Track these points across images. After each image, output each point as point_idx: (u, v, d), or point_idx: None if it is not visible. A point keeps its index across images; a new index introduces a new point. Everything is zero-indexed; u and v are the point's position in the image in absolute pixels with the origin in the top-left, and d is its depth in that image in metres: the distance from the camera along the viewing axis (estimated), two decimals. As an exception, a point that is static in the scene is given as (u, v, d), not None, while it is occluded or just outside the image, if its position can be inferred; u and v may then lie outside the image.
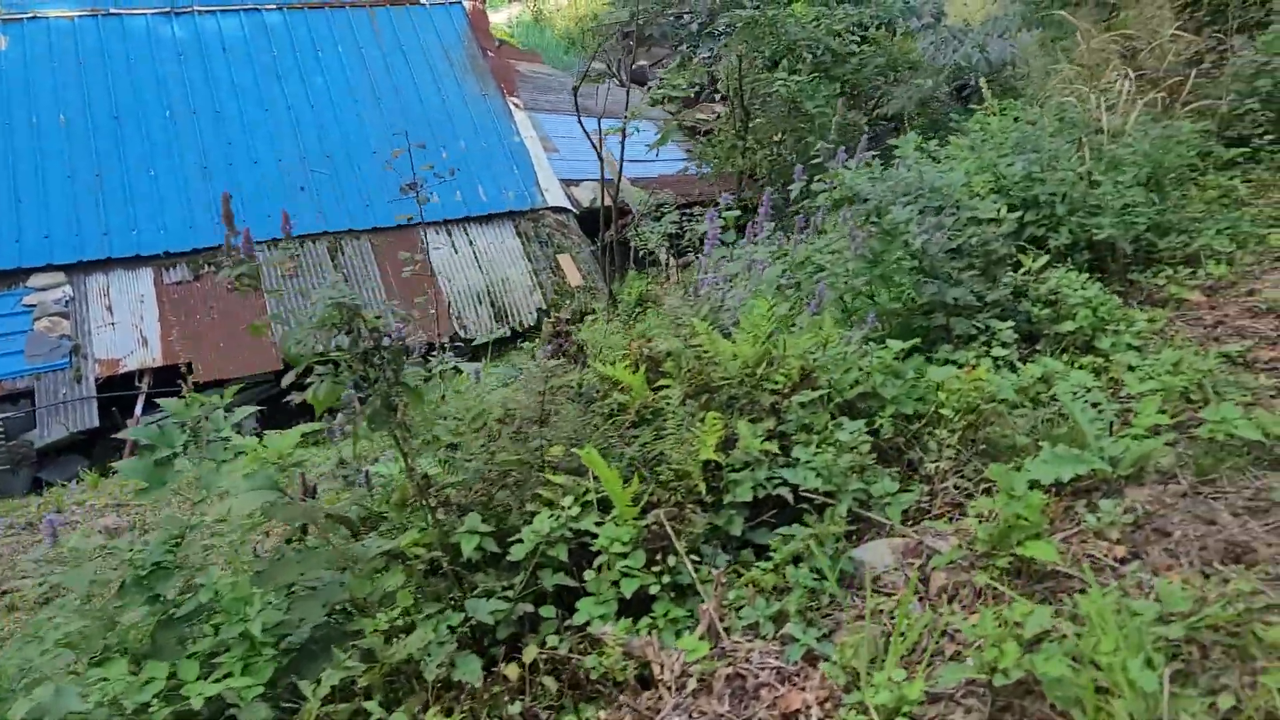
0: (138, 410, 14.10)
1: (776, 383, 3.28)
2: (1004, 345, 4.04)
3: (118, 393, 14.06)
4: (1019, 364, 3.96)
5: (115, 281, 15.07)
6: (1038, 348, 4.28)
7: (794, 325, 3.32)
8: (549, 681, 2.99)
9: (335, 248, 16.18)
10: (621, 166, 12.55)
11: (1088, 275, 4.59)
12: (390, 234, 16.50)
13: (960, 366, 3.69)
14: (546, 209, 17.73)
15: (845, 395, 3.35)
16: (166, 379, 14.38)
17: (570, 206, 18.10)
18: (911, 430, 3.66)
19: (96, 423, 13.46)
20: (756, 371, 3.20)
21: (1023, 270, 4.52)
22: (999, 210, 4.49)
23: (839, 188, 3.83)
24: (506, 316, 16.28)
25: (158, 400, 4.46)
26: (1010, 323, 4.13)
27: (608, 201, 15.12)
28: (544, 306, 16.39)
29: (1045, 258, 4.62)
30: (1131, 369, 3.85)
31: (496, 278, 16.53)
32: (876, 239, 3.65)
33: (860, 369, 3.37)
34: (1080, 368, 3.99)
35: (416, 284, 16.03)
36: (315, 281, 15.51)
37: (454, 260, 16.57)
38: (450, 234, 16.86)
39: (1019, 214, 4.71)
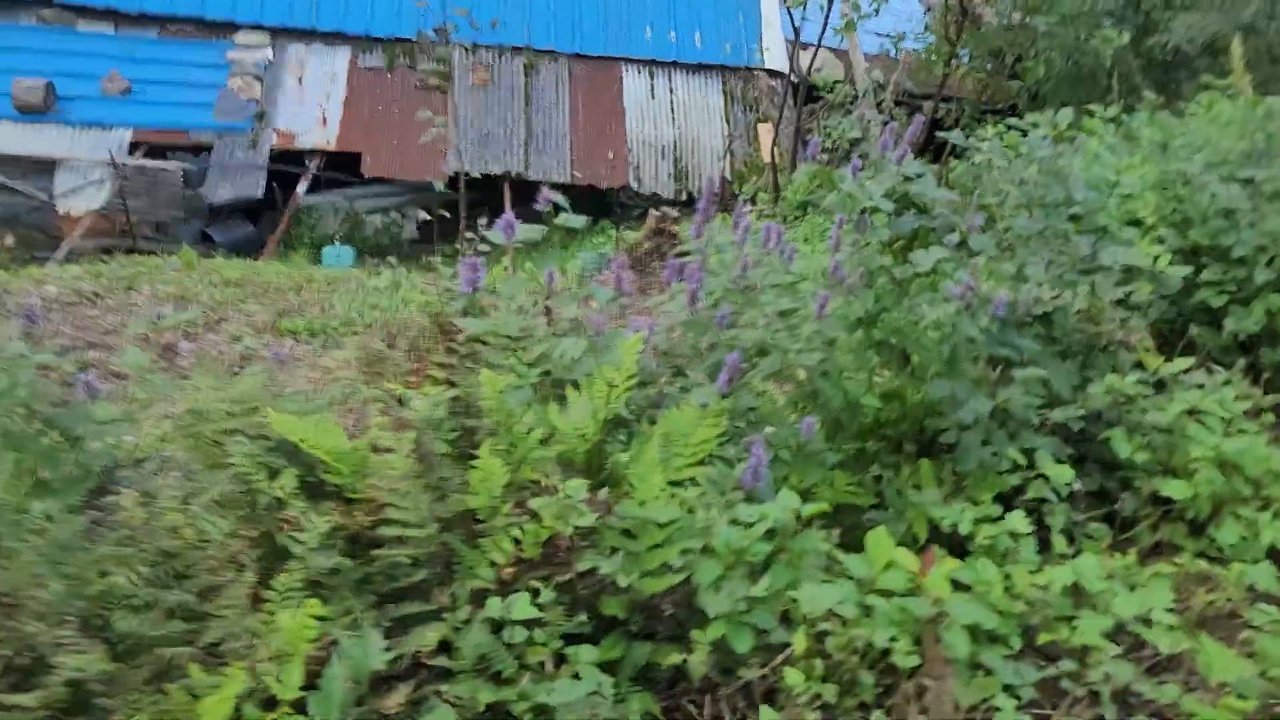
0: (301, 189, 14.74)
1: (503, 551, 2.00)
2: (1044, 506, 2.74)
3: (287, 167, 14.68)
4: (1042, 558, 2.63)
5: (313, 55, 15.56)
6: (1100, 521, 3.01)
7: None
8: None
9: (531, 66, 16.04)
10: (823, 33, 11.45)
11: (1251, 403, 3.18)
12: (590, 63, 16.23)
13: (919, 548, 2.50)
14: (762, 70, 16.89)
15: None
16: (335, 164, 14.91)
17: (790, 72, 17.16)
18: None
19: (261, 193, 14.22)
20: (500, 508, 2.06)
21: (1136, 376, 3.13)
22: (1156, 258, 3.69)
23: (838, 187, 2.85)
24: (686, 178, 15.88)
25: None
26: (1069, 461, 2.89)
27: (820, 69, 14.12)
28: (729, 177, 15.87)
29: (1187, 361, 3.27)
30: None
31: (687, 135, 16.08)
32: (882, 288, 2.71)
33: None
34: (1159, 576, 2.56)
35: (604, 122, 15.78)
36: (503, 98, 15.51)
37: (647, 106, 16.17)
38: (652, 76, 16.42)
39: (1190, 269, 3.85)
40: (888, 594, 2.27)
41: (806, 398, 2.79)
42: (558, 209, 3.16)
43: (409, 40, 15.85)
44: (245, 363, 8.05)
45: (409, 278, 10.78)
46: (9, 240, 15.09)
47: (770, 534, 2.20)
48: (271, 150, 14.71)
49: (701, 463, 2.61)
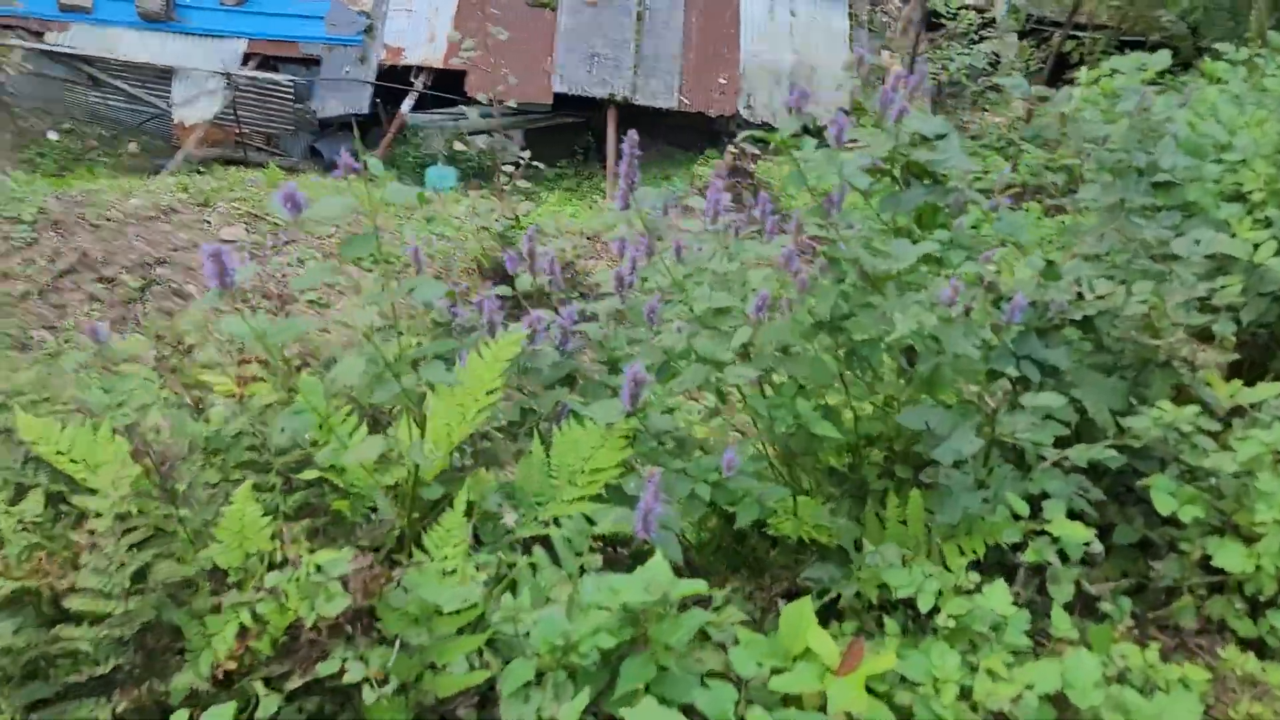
0: (406, 106, 14.49)
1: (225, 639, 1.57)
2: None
3: (393, 84, 14.42)
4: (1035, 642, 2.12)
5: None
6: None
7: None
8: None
9: (646, -17, 15.25)
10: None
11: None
12: (707, -19, 15.27)
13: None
14: (894, -7, 15.64)
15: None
16: (440, 83, 14.57)
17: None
18: None
19: (367, 109, 14.03)
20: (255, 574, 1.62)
21: (1194, 408, 2.40)
22: (1257, 246, 2.88)
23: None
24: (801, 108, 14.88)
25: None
26: (1099, 504, 2.32)
27: None
28: (847, 109, 14.83)
29: (1273, 389, 2.50)
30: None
31: (806, 61, 15.04)
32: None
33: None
34: (1188, 682, 1.98)
35: (717, 45, 14.94)
36: (614, 17, 14.81)
37: (765, 28, 15.20)
38: (774, -4, 15.35)
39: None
40: (788, 702, 1.74)
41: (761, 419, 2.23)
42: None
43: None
44: (309, 288, 7.86)
45: (488, 203, 10.42)
46: (132, 147, 15.42)
47: (633, 615, 1.69)
48: (379, 65, 14.47)
49: (599, 496, 2.11)
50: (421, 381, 1.66)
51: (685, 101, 14.61)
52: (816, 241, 2.22)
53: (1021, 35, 11.35)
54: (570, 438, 2.11)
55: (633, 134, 2.13)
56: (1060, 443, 2.36)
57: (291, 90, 14.44)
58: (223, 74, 14.01)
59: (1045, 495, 2.29)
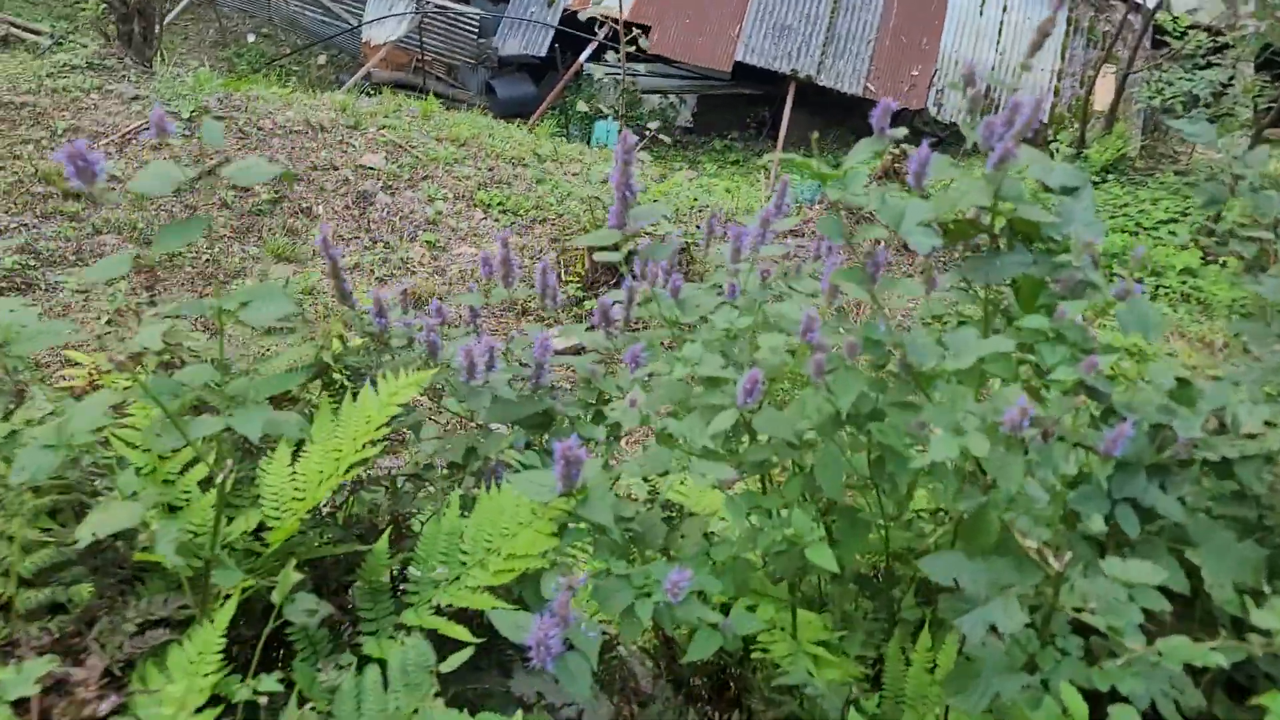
0: (583, 56, 14.17)
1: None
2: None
3: (574, 31, 14.11)
4: None
5: (628, -84, 14.58)
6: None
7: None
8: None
9: (853, -41, 14.35)
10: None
11: None
12: (919, -37, 14.25)
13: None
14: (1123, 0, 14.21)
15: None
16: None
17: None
18: None
19: (544, 52, 13.78)
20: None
21: None
22: None
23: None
24: (995, 112, 13.75)
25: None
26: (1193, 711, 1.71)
27: (1197, 9, 11.54)
28: (1046, 121, 13.64)
29: None
30: None
31: (1010, 63, 13.87)
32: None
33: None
34: None
35: (916, 33, 13.97)
36: (811, -10, 14.01)
37: (971, 23, 14.09)
38: (988, -11, 14.19)
39: None
40: None
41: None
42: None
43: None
44: (430, 227, 7.65)
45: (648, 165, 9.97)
46: (321, 59, 15.71)
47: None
48: (564, 10, 14.17)
49: (524, 576, 1.65)
50: (225, 428, 1.23)
51: (870, 89, 13.72)
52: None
53: (1258, 66, 10.01)
54: (494, 504, 1.66)
55: (628, 135, 1.62)
56: (1154, 617, 1.74)
57: (477, 24, 14.34)
58: (414, -1, 14.02)
59: (1117, 695, 1.69)
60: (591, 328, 1.99)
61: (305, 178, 7.95)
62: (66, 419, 1.19)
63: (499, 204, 7.97)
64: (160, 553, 1.09)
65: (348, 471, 1.44)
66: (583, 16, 12.24)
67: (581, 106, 10.02)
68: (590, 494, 1.60)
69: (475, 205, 8.00)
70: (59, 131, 7.86)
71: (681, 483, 2.27)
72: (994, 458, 1.54)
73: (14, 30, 13.89)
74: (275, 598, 1.28)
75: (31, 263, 6.23)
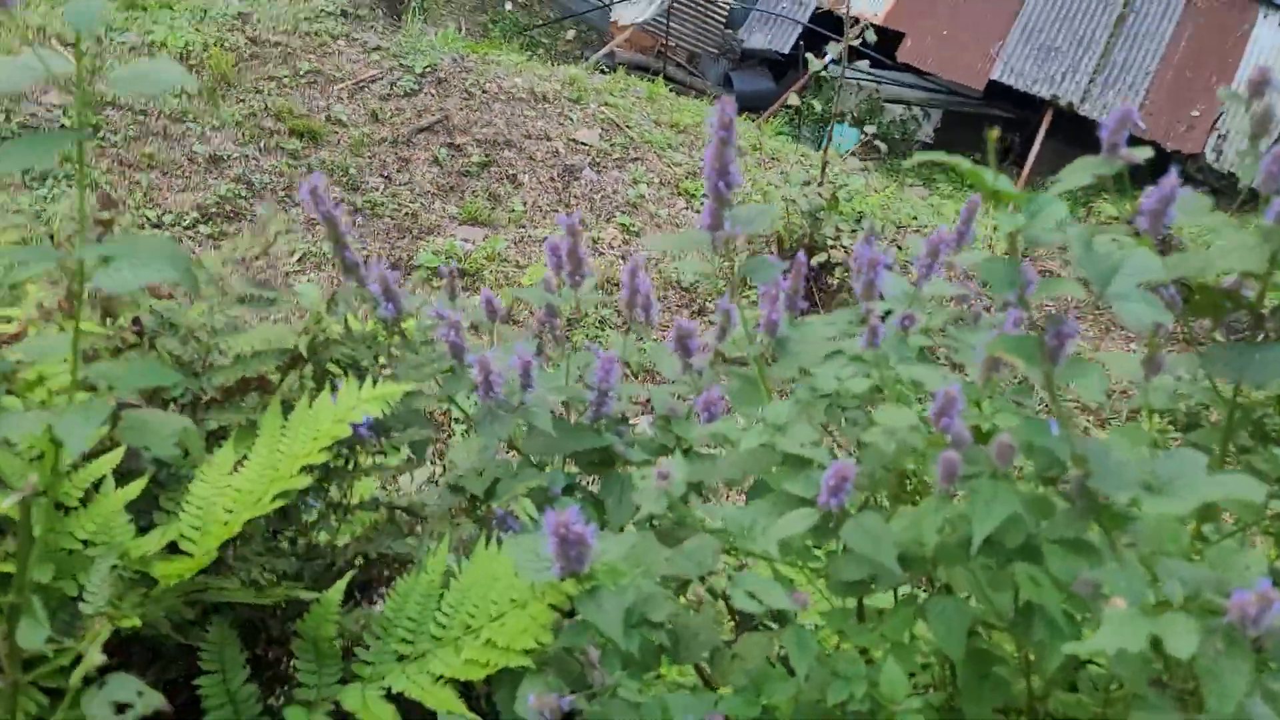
0: (828, 58, 13.51)
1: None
2: None
3: (822, 30, 13.50)
4: None
5: (899, -84, 13.88)
6: None
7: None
8: None
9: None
10: None
11: None
12: (1219, -4, 12.73)
13: None
14: None
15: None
16: (875, 40, 13.38)
17: None
18: None
19: (788, 49, 13.26)
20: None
21: None
22: None
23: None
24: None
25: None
26: None
27: None
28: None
29: None
30: None
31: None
32: None
33: None
34: None
35: (1205, 71, 12.50)
36: (1089, 9, 12.80)
37: (1274, 65, 12.39)
38: (1300, 31, 12.51)
39: None
40: None
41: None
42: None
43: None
44: (630, 209, 7.36)
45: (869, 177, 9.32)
46: (570, 34, 15.82)
47: None
48: (816, 8, 13.59)
49: (502, 674, 1.24)
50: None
51: (1140, 126, 12.32)
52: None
53: None
54: (487, 570, 1.25)
55: (726, 105, 1.16)
56: None
57: (727, 14, 13.99)
58: (667, -17, 13.81)
59: None
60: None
61: (518, 145, 7.84)
62: None
63: (703, 195, 7.57)
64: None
65: (274, 500, 1.07)
66: (839, 12, 11.63)
67: (817, 108, 9.47)
68: (599, 585, 1.16)
69: (679, 194, 7.65)
70: (301, 73, 8.10)
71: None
72: (1205, 656, 0.99)
73: (298, -22, 14.73)
74: (72, 680, 0.93)
75: (243, 192, 6.38)
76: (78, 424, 0.84)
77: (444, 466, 1.63)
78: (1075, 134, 12.79)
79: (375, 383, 1.14)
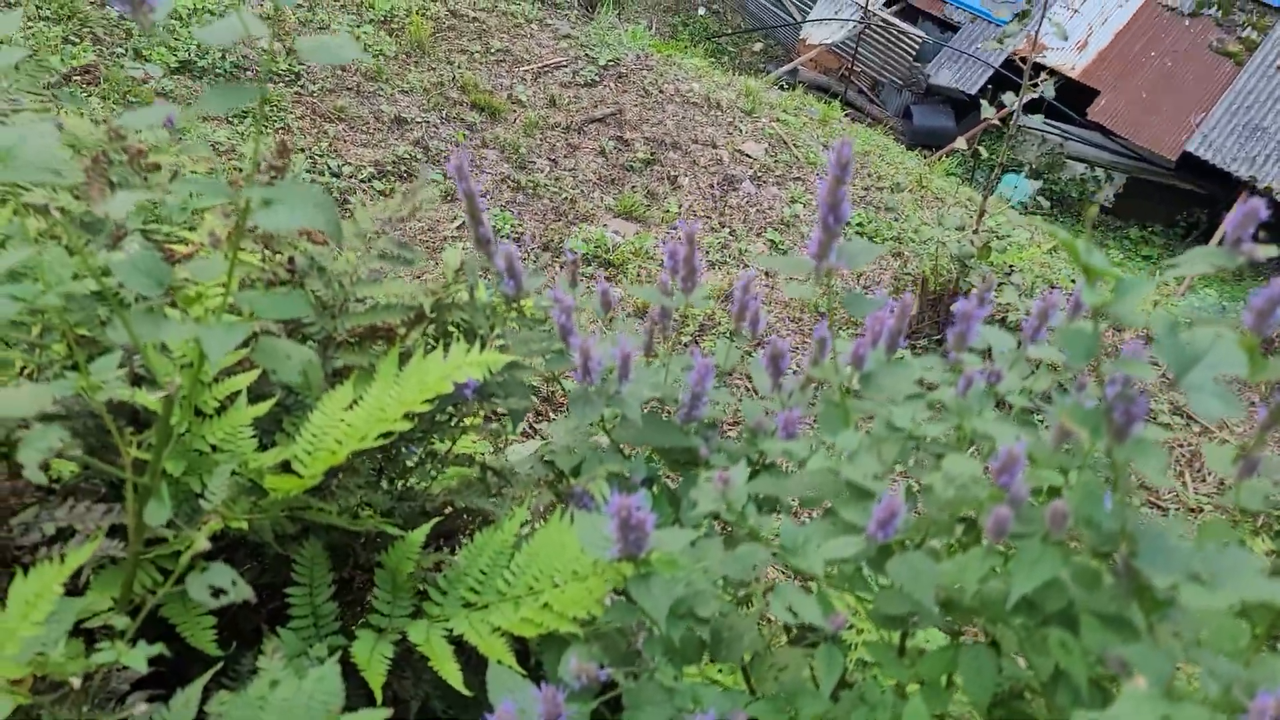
0: (1017, 105, 13.15)
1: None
2: None
3: (1013, 76, 13.16)
4: None
5: (1116, -30, 13.41)
6: None
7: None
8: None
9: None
10: None
11: None
12: None
13: None
14: None
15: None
16: (1064, 92, 12.97)
17: None
18: None
19: (975, 90, 12.96)
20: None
21: None
22: None
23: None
24: None
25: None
26: None
27: None
28: None
29: None
30: None
31: None
32: None
33: None
34: None
35: None
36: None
37: None
38: None
39: None
40: None
41: None
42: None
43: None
44: (782, 227, 7.37)
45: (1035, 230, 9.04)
46: (757, 46, 15.89)
47: None
48: (1012, 53, 13.22)
49: (551, 637, 1.34)
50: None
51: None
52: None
53: None
54: (556, 539, 1.34)
55: (844, 147, 1.21)
56: None
57: (917, 46, 13.79)
58: (863, 8, 13.71)
59: None
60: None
61: (684, 148, 7.97)
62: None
63: (859, 223, 7.52)
64: (21, 458, 0.90)
65: (377, 438, 1.19)
66: (1034, 60, 11.31)
67: (984, 154, 9.23)
68: (654, 572, 1.24)
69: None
70: (491, 50, 8.45)
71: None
72: (1221, 754, 0.99)
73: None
74: (180, 560, 1.06)
75: (419, 155, 6.71)
76: (220, 338, 0.97)
77: (543, 438, 1.74)
78: (1269, 222, 12.05)
79: (483, 348, 1.25)
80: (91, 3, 6.09)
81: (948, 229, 5.18)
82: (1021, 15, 13.69)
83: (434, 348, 1.41)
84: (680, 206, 7.36)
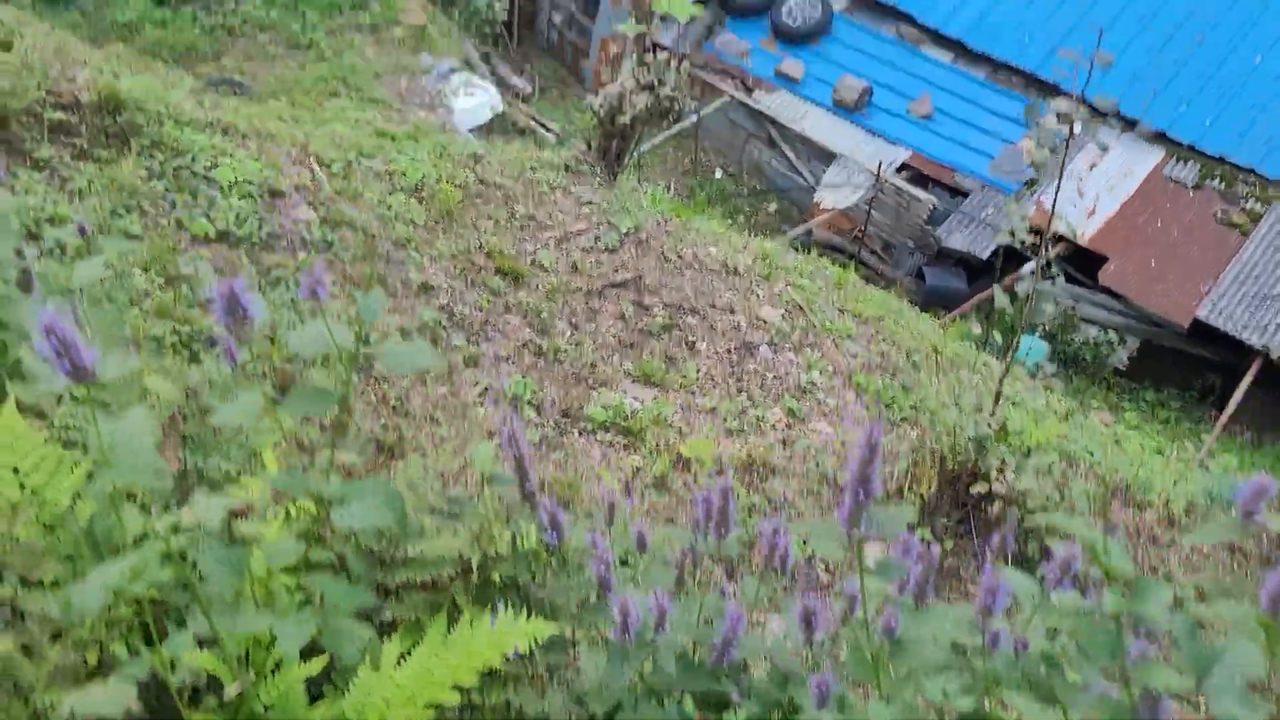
0: (1028, 268, 13.49)
1: None
2: None
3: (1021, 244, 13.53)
4: None
5: (1120, 145, 14.11)
6: None
7: None
8: None
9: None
10: None
11: None
12: None
13: None
14: None
15: None
16: (1076, 258, 13.33)
17: None
18: None
19: (985, 255, 13.32)
20: None
21: None
22: None
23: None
24: None
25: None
26: None
27: None
28: None
29: None
30: None
31: None
32: None
33: None
34: None
35: None
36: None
37: None
38: None
39: None
40: None
41: None
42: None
43: (1237, 166, 13.38)
44: (799, 394, 7.49)
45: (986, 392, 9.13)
46: (771, 207, 16.44)
47: None
48: (1022, 218, 13.63)
49: None
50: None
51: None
52: None
53: None
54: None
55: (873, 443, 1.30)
56: None
57: (929, 211, 14.24)
58: (875, 174, 14.23)
59: None
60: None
61: (702, 312, 8.18)
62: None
63: (874, 391, 7.64)
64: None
65: (426, 706, 1.24)
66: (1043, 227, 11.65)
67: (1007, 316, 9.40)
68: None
69: (851, 385, 7.74)
70: (516, 216, 8.80)
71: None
72: None
73: (533, 123, 16.05)
74: None
75: (444, 321, 6.92)
76: (294, 632, 1.04)
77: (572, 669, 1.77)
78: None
79: (529, 614, 1.32)
80: (140, 175, 6.44)
81: (965, 412, 5.28)
82: (1030, 183, 14.23)
83: (480, 595, 1.47)
84: (698, 372, 7.51)
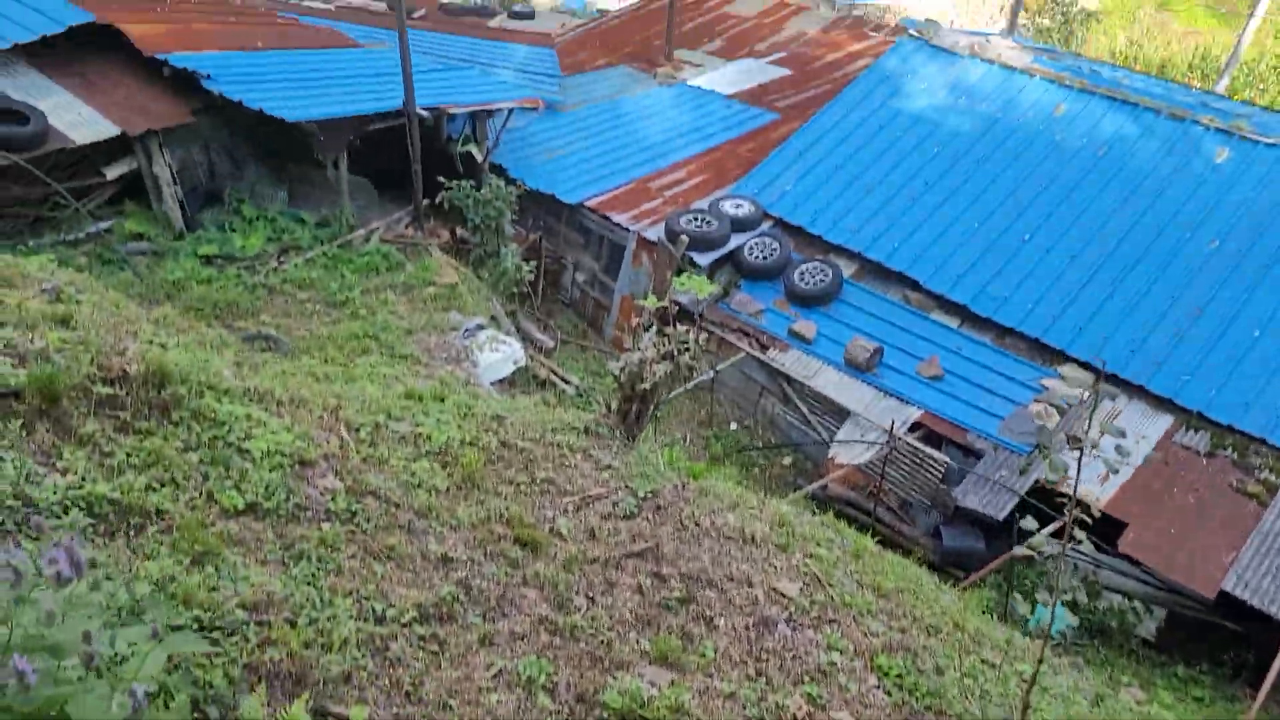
0: (1045, 531, 13.44)
1: None
2: None
3: (1041, 505, 13.58)
4: None
5: (1128, 410, 14.37)
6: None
7: None
8: None
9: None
10: None
11: None
12: None
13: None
14: None
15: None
16: (1094, 524, 13.23)
17: None
18: None
19: (1001, 516, 13.32)
20: None
21: None
22: None
23: None
24: None
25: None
26: None
27: None
28: None
29: None
30: None
31: None
32: None
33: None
34: None
35: None
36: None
37: None
38: None
39: None
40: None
41: None
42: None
43: (1248, 435, 13.58)
44: (819, 678, 7.31)
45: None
46: (786, 461, 16.61)
47: None
48: (1036, 481, 13.73)
49: None
50: None
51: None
52: None
53: None
54: None
55: None
56: None
57: (944, 470, 14.36)
58: (888, 433, 14.47)
59: None
60: None
61: (719, 585, 8.14)
62: None
63: (897, 674, 7.45)
64: None
65: None
66: (1062, 491, 11.70)
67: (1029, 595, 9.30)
68: None
69: (872, 669, 7.56)
70: (537, 480, 8.94)
71: None
72: None
73: (554, 376, 16.54)
74: None
75: (460, 596, 6.90)
76: None
77: None
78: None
79: None
80: (177, 447, 6.65)
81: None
82: (1039, 447, 14.35)
83: None
84: (716, 651, 7.37)
